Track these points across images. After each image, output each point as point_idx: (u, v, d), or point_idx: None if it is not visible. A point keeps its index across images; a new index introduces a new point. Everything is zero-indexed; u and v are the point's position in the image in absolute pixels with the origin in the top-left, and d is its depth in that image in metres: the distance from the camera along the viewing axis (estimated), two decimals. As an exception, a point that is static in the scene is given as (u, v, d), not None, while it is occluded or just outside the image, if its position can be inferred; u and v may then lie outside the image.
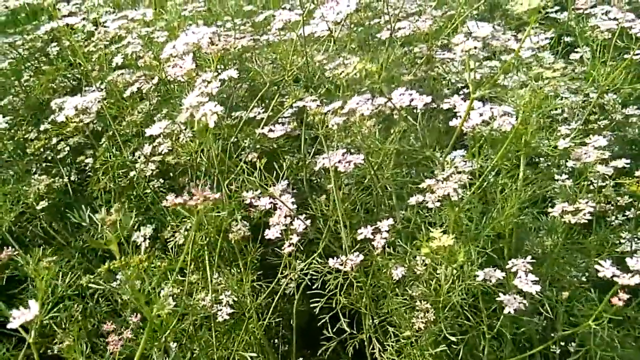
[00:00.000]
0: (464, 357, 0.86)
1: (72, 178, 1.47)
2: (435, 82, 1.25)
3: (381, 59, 0.73)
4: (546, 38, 1.43)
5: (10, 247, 0.88)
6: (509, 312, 0.70)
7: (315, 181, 1.41)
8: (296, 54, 1.13)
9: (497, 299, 0.71)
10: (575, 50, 1.51)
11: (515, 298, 0.70)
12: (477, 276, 0.71)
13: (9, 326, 0.54)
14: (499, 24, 1.76)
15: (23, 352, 0.57)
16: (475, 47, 0.64)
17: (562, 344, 1.09)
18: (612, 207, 1.13)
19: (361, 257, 0.83)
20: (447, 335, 0.79)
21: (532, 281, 0.70)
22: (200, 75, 0.99)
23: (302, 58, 1.13)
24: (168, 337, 1.10)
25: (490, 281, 0.71)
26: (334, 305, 1.00)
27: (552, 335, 1.15)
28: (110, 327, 0.79)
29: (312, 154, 1.27)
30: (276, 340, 1.43)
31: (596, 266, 0.64)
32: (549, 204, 1.06)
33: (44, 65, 1.65)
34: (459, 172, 0.73)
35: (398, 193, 1.11)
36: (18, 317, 0.53)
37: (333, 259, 0.86)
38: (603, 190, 0.95)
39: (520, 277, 0.70)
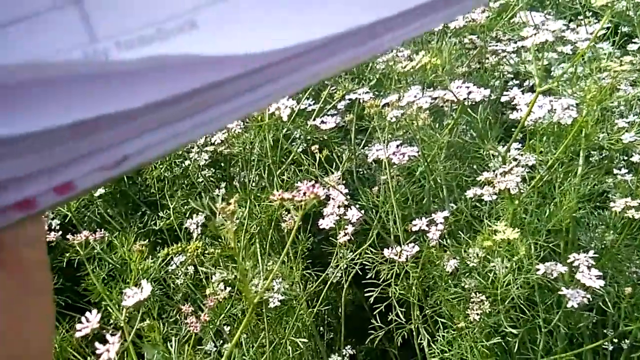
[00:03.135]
0: (518, 351, 0.86)
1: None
2: (487, 75, 1.23)
3: (444, 53, 0.74)
4: (602, 28, 1.39)
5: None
6: (572, 306, 0.69)
7: (361, 173, 1.42)
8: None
9: (560, 292, 0.71)
10: (634, 40, 1.46)
11: (578, 292, 0.70)
12: (538, 270, 0.71)
13: (123, 304, 0.58)
14: (549, 13, 1.72)
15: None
16: (547, 40, 0.64)
17: (615, 340, 1.07)
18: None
19: (417, 248, 0.84)
20: (503, 327, 0.80)
21: (595, 276, 0.69)
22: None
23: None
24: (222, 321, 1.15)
25: (552, 275, 0.71)
26: (385, 296, 1.02)
27: (604, 331, 1.13)
28: (189, 309, 0.83)
29: (360, 146, 1.28)
30: (322, 328, 1.46)
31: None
32: (605, 199, 1.04)
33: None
34: (522, 166, 0.73)
35: (448, 186, 1.11)
36: (132, 296, 0.57)
37: (388, 249, 0.88)
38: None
39: (582, 271, 0.70)
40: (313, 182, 0.99)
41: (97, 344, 0.58)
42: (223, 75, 0.17)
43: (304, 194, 0.56)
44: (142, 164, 0.18)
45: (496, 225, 0.66)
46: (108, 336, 0.59)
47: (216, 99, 0.17)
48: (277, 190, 0.58)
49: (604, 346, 1.07)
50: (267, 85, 0.18)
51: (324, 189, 1.04)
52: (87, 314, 0.59)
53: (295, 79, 0.18)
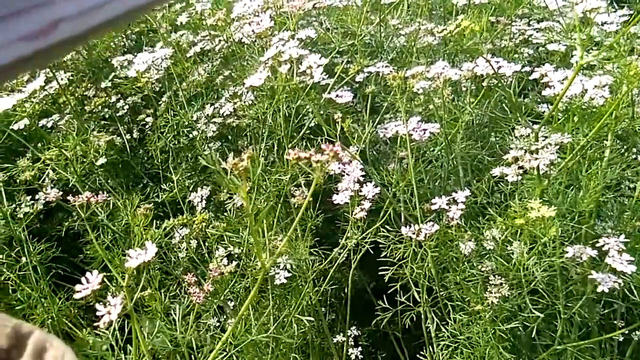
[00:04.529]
0: (531, 337, 0.84)
1: (134, 135, 1.49)
2: (509, 56, 1.20)
3: (484, 18, 0.70)
4: (623, 15, 1.37)
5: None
6: (602, 291, 0.67)
7: (372, 154, 1.39)
8: (366, 20, 1.10)
9: (590, 276, 0.69)
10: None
11: (609, 277, 0.68)
12: (566, 252, 0.69)
13: (126, 265, 0.54)
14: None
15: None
16: (599, 7, 0.60)
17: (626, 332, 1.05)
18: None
19: (436, 226, 0.81)
20: (520, 312, 0.77)
21: (627, 261, 0.67)
22: (275, 35, 0.97)
23: (372, 24, 1.10)
24: (226, 296, 1.12)
25: (581, 258, 0.68)
26: (393, 277, 0.99)
27: (613, 322, 1.11)
28: (192, 279, 0.80)
29: (374, 123, 1.25)
30: (324, 309, 1.43)
31: None
32: (628, 187, 1.01)
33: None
34: (555, 144, 0.69)
35: (464, 167, 1.07)
36: (135, 257, 0.53)
37: (405, 227, 0.85)
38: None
39: (612, 256, 0.67)
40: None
41: (97, 306, 0.53)
42: None
43: (323, 153, 0.51)
44: (80, 36, 0.13)
45: (529, 203, 0.63)
46: (110, 298, 0.55)
47: None
48: (293, 150, 0.53)
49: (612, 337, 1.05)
50: None
51: (343, 154, 1.01)
52: (88, 274, 0.55)
53: None
